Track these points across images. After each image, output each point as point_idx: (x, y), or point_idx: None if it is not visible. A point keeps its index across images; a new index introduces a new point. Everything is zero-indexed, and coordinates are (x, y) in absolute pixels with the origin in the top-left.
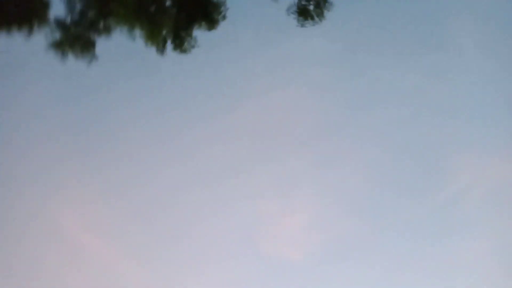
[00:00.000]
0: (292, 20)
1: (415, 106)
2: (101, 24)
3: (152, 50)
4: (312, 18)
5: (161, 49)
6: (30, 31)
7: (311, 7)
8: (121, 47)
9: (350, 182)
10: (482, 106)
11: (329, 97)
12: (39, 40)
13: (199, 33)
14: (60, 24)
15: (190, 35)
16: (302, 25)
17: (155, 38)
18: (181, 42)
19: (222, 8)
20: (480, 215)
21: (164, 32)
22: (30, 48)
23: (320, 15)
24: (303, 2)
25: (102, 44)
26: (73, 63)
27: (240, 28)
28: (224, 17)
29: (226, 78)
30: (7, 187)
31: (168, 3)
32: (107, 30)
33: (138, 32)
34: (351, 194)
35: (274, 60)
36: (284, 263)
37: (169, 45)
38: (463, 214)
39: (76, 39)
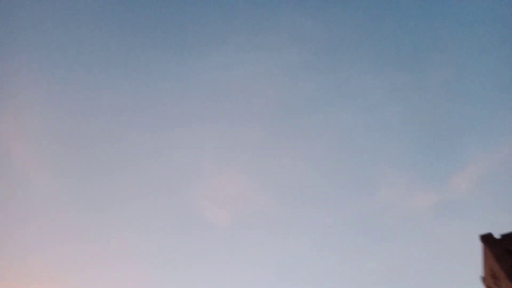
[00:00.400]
0: None
1: (364, 116)
2: None
3: None
4: None
5: None
6: None
7: None
8: None
9: (289, 167)
10: (420, 133)
11: (293, 86)
12: None
13: None
14: None
15: None
16: None
17: None
18: None
19: None
20: (391, 226)
21: None
22: None
23: None
24: None
25: None
26: None
27: None
28: None
29: (209, 20)
30: None
31: None
32: None
33: None
34: (287, 178)
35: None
36: (209, 223)
37: None
38: (379, 222)
39: None
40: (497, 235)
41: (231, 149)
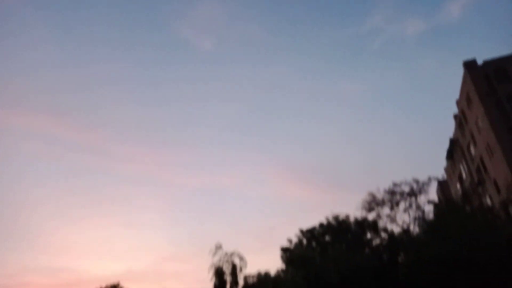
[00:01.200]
0: None
1: None
2: None
3: None
4: None
5: None
6: None
7: None
8: None
9: None
10: None
11: None
12: None
13: None
14: None
15: None
16: None
17: None
18: None
19: None
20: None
21: None
22: None
23: None
24: None
25: None
26: None
27: None
28: None
29: None
30: None
31: None
32: None
33: None
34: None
35: None
36: (193, 47)
37: None
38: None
39: None
40: (481, 62)
41: None
